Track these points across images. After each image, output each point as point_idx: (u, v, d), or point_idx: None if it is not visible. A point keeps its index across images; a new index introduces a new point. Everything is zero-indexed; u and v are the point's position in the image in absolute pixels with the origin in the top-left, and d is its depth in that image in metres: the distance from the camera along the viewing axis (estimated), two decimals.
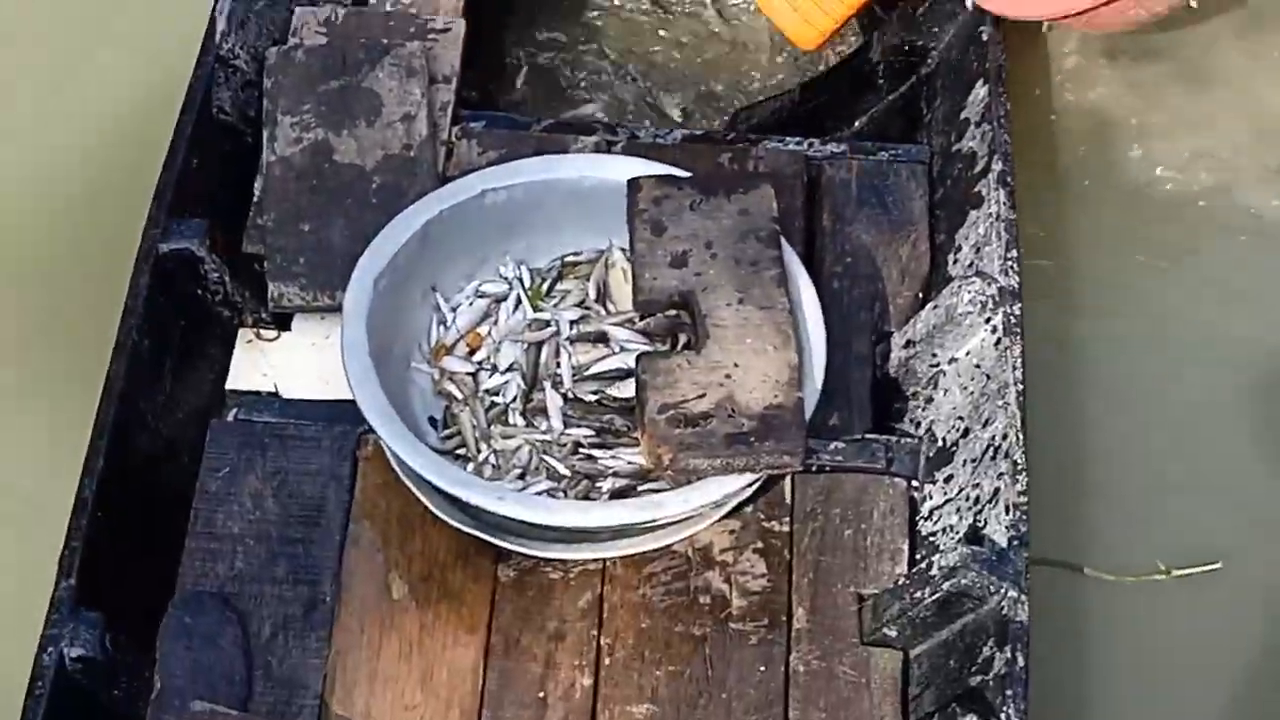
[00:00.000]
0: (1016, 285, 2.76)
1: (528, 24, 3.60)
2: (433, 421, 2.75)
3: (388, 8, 3.22)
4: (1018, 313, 2.72)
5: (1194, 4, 3.23)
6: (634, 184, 2.75)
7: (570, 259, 2.89)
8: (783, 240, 2.71)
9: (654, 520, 2.54)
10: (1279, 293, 3.30)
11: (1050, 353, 3.08)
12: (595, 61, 3.57)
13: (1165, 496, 3.09)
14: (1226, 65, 3.51)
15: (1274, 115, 3.47)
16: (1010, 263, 2.78)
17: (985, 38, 3.12)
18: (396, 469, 2.63)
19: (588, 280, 2.85)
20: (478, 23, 3.24)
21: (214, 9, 3.05)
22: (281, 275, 2.83)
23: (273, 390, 2.84)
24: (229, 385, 2.86)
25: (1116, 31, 3.38)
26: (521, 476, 2.67)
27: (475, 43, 3.20)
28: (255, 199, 2.94)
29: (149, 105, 3.30)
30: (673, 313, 2.70)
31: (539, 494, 2.63)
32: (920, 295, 2.93)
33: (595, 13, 3.61)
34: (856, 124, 3.37)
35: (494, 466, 2.69)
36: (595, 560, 2.64)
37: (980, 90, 3.07)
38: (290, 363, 2.86)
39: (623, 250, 2.82)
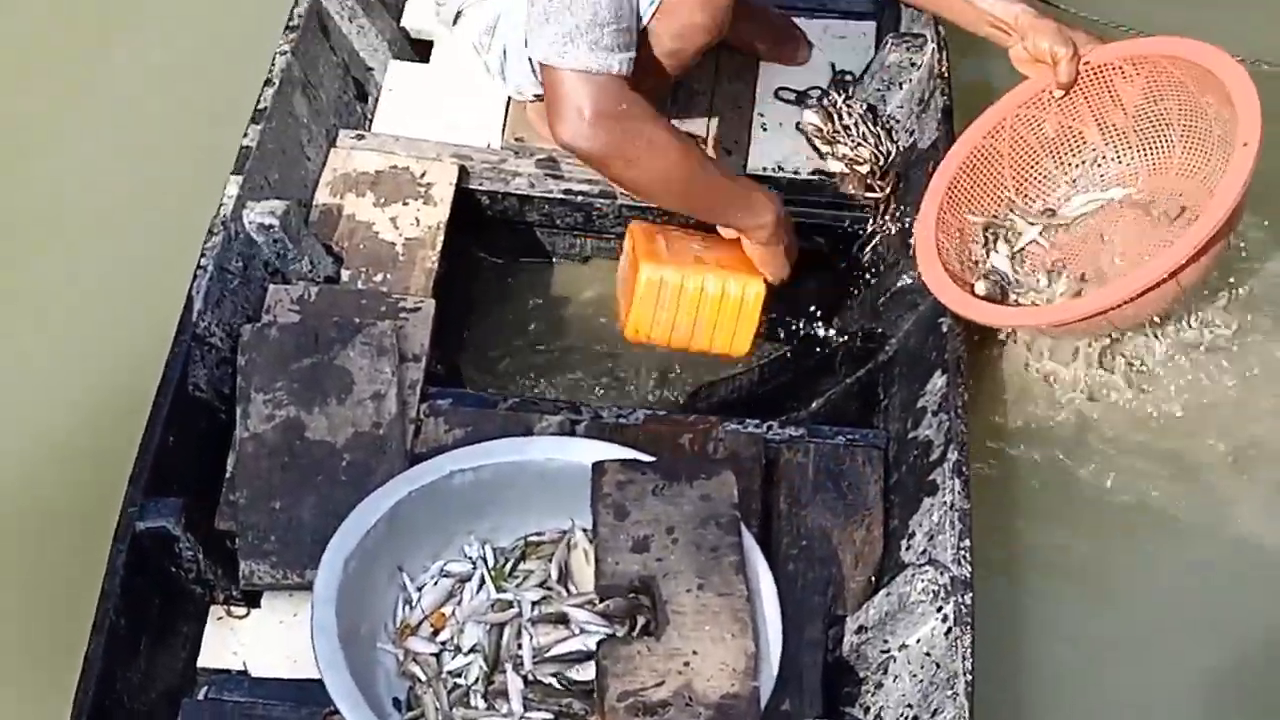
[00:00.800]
0: (969, 575, 2.79)
1: (495, 302, 3.69)
2: (397, 703, 2.78)
3: (359, 285, 3.30)
4: (969, 602, 2.75)
5: (1158, 318, 3.30)
6: (599, 468, 2.80)
7: (534, 539, 2.94)
8: (742, 527, 2.75)
9: None
10: (1225, 617, 3.23)
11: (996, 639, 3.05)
12: (560, 338, 3.65)
13: None
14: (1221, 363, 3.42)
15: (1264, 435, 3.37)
16: (963, 552, 2.82)
17: (944, 329, 3.17)
18: None
19: (550, 561, 2.89)
20: (447, 301, 3.33)
21: (191, 288, 3.10)
22: (253, 553, 2.86)
23: (242, 669, 2.86)
24: (200, 663, 2.88)
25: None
26: None
27: (444, 320, 3.28)
28: (228, 475, 2.99)
29: (125, 380, 3.35)
30: (633, 596, 2.73)
31: None
32: (873, 579, 2.96)
33: (560, 290, 3.71)
34: (814, 405, 3.43)
35: None
36: None
37: (938, 380, 3.12)
38: (259, 641, 2.90)
39: (585, 531, 2.87)
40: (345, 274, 3.33)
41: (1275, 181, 3.03)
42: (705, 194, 3.12)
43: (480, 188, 3.53)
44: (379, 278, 3.33)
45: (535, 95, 3.26)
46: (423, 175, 3.48)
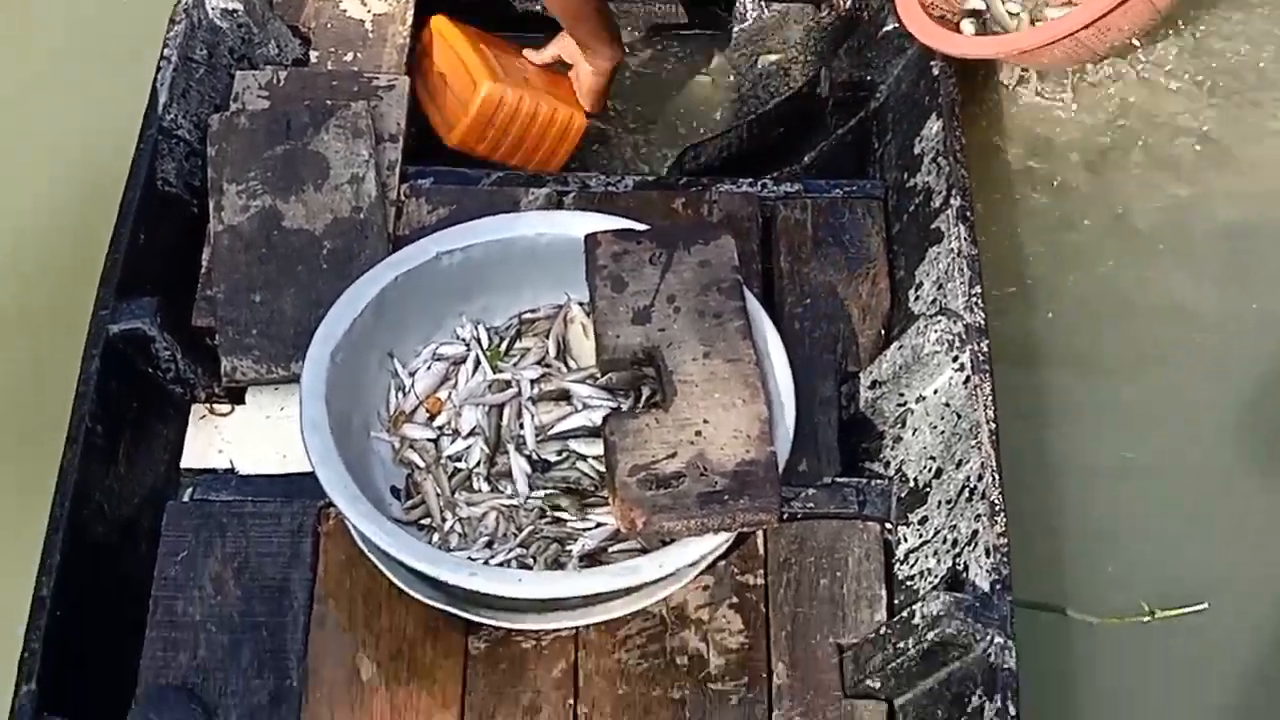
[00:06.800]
0: (982, 322, 2.54)
1: None
2: (395, 491, 2.50)
3: (329, 67, 2.99)
4: (985, 350, 2.50)
5: (1137, 42, 3.00)
6: (592, 240, 2.51)
7: (528, 316, 2.66)
8: (745, 290, 2.48)
9: (630, 586, 2.28)
10: (1253, 293, 3.02)
11: (1017, 386, 2.81)
12: None
13: (1147, 534, 2.80)
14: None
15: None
16: (975, 299, 2.56)
17: (936, 72, 2.89)
18: (363, 547, 2.37)
19: (547, 337, 2.62)
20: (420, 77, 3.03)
21: (155, 80, 2.81)
22: (234, 349, 2.57)
23: (229, 467, 2.57)
24: (184, 464, 2.59)
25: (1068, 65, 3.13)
26: (489, 544, 2.42)
27: (419, 98, 3.00)
28: (203, 270, 2.68)
29: (91, 181, 3.05)
30: (636, 368, 2.46)
31: (507, 561, 2.38)
32: (883, 333, 2.71)
33: None
34: (805, 159, 3.13)
35: (460, 535, 2.44)
36: (568, 627, 2.38)
37: (934, 124, 2.83)
38: (245, 437, 2.60)
39: (581, 305, 2.60)
40: (314, 56, 3.03)
41: None
42: (594, 13, 2.94)
43: None
44: (349, 57, 3.01)
45: None
46: None
